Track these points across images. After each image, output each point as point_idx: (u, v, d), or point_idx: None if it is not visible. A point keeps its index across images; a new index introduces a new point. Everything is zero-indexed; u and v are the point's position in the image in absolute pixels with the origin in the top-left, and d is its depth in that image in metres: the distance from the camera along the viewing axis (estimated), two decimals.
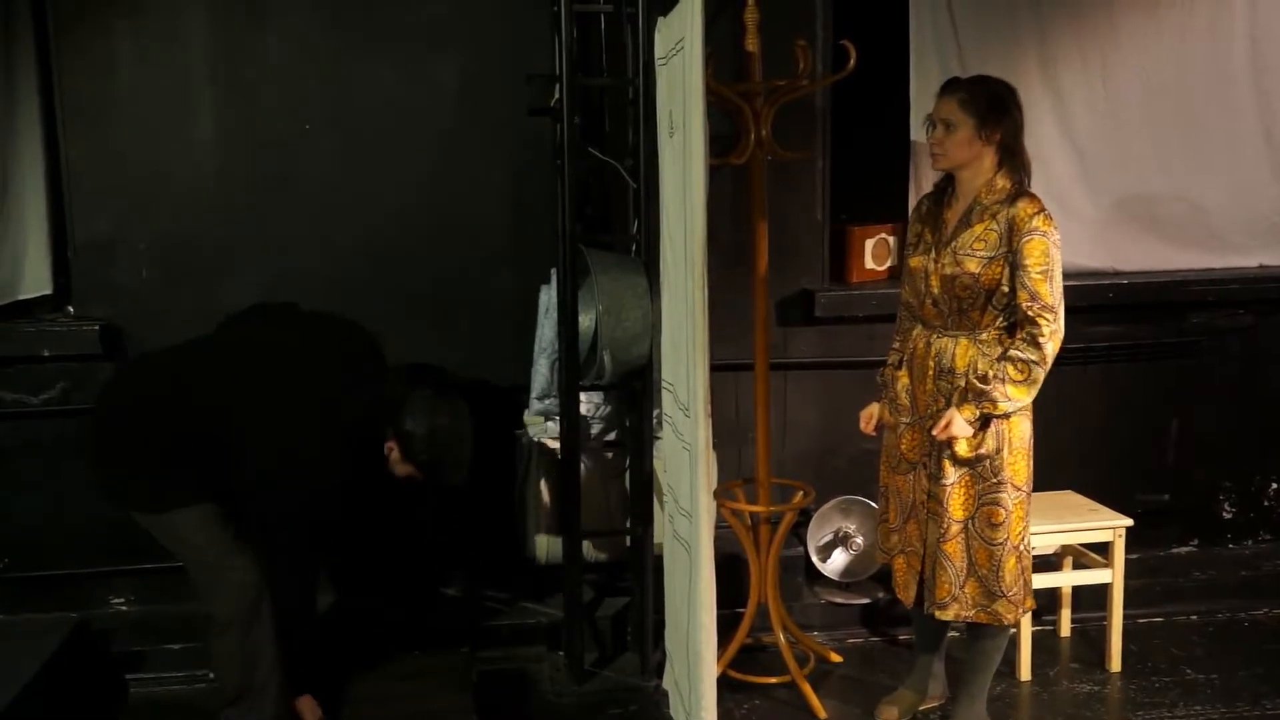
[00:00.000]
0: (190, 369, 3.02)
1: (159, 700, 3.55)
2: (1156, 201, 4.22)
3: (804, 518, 3.98)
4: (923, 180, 3.92)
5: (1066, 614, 3.89)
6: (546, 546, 3.67)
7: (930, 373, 3.03)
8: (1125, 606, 3.66)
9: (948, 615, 3.05)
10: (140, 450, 2.93)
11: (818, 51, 3.77)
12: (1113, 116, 4.12)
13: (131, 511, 2.97)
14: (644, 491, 3.52)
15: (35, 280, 3.74)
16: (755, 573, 3.54)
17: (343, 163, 3.79)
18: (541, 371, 3.69)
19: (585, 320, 3.43)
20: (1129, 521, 3.63)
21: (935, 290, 3.00)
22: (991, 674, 3.19)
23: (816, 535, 4.04)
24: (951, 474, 2.99)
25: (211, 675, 3.31)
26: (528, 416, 3.76)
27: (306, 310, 3.28)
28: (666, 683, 3.43)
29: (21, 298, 3.73)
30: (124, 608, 3.86)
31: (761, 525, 3.56)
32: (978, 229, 2.94)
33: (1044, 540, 3.58)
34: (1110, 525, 3.61)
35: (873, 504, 3.83)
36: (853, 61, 3.36)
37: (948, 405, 2.96)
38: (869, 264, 4.09)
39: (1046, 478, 3.83)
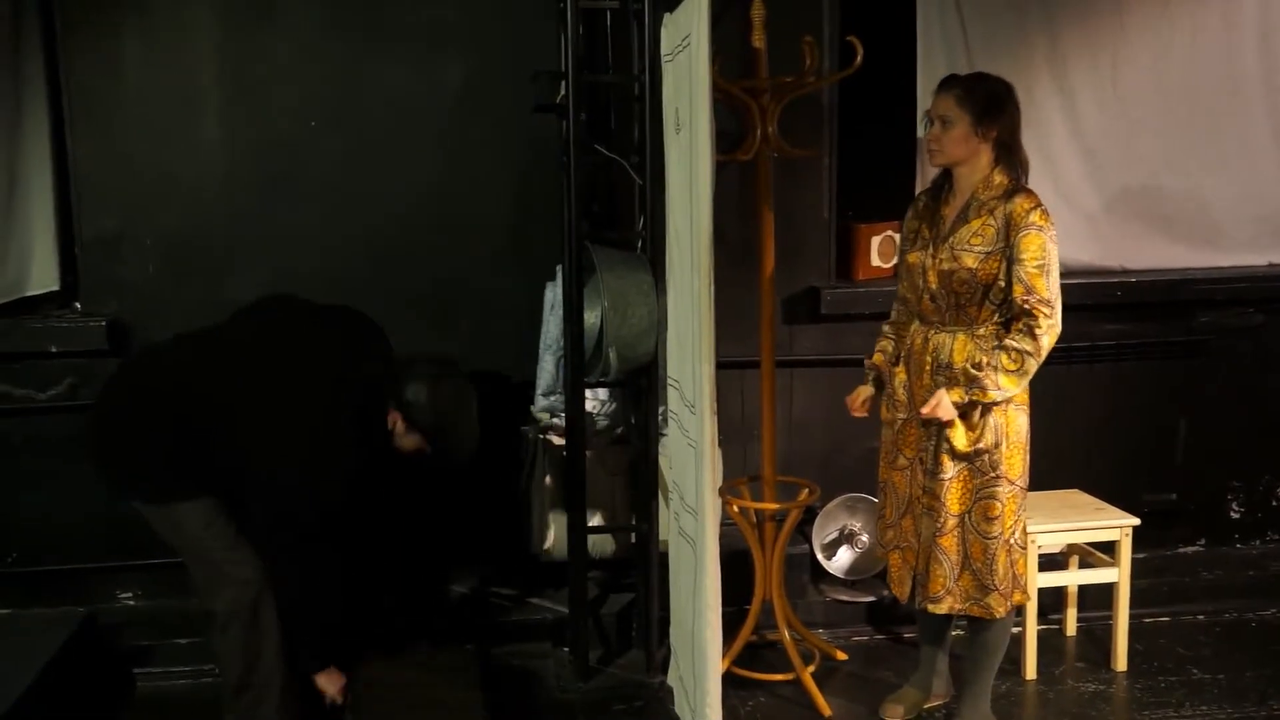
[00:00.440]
0: (192, 359, 3.01)
1: (166, 695, 3.56)
2: (1166, 200, 4.21)
3: (809, 515, 3.97)
4: (929, 178, 3.88)
5: (1072, 613, 3.88)
6: (551, 543, 3.68)
7: (928, 368, 3.02)
8: (1132, 606, 3.65)
9: (941, 609, 3.05)
10: (144, 441, 2.92)
11: (825, 48, 3.76)
12: (1123, 115, 4.10)
13: (135, 503, 2.97)
14: (649, 488, 3.52)
15: (42, 277, 3.76)
16: (760, 570, 3.54)
17: (347, 161, 3.80)
18: (547, 368, 3.69)
19: (591, 317, 3.43)
20: (1136, 521, 3.61)
21: (933, 286, 2.99)
22: (994, 671, 3.19)
23: (822, 533, 4.04)
24: (950, 469, 2.98)
25: (217, 670, 3.32)
26: (533, 413, 3.76)
27: (305, 299, 3.27)
28: (671, 679, 3.43)
29: (29, 294, 3.76)
30: (131, 602, 3.88)
31: (767, 522, 3.56)
32: (975, 224, 2.94)
33: (1050, 539, 3.57)
34: (1117, 524, 3.60)
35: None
36: (860, 58, 3.35)
37: None
38: (875, 261, 4.08)
39: (1053, 476, 3.84)
